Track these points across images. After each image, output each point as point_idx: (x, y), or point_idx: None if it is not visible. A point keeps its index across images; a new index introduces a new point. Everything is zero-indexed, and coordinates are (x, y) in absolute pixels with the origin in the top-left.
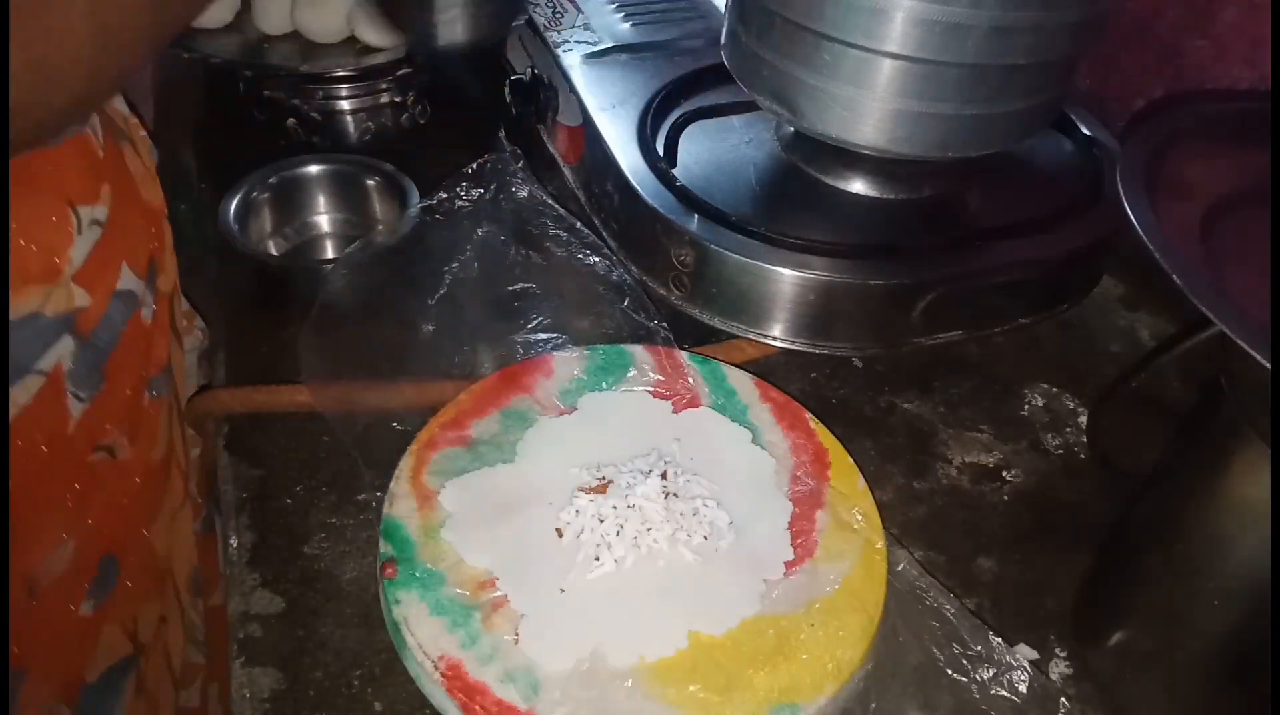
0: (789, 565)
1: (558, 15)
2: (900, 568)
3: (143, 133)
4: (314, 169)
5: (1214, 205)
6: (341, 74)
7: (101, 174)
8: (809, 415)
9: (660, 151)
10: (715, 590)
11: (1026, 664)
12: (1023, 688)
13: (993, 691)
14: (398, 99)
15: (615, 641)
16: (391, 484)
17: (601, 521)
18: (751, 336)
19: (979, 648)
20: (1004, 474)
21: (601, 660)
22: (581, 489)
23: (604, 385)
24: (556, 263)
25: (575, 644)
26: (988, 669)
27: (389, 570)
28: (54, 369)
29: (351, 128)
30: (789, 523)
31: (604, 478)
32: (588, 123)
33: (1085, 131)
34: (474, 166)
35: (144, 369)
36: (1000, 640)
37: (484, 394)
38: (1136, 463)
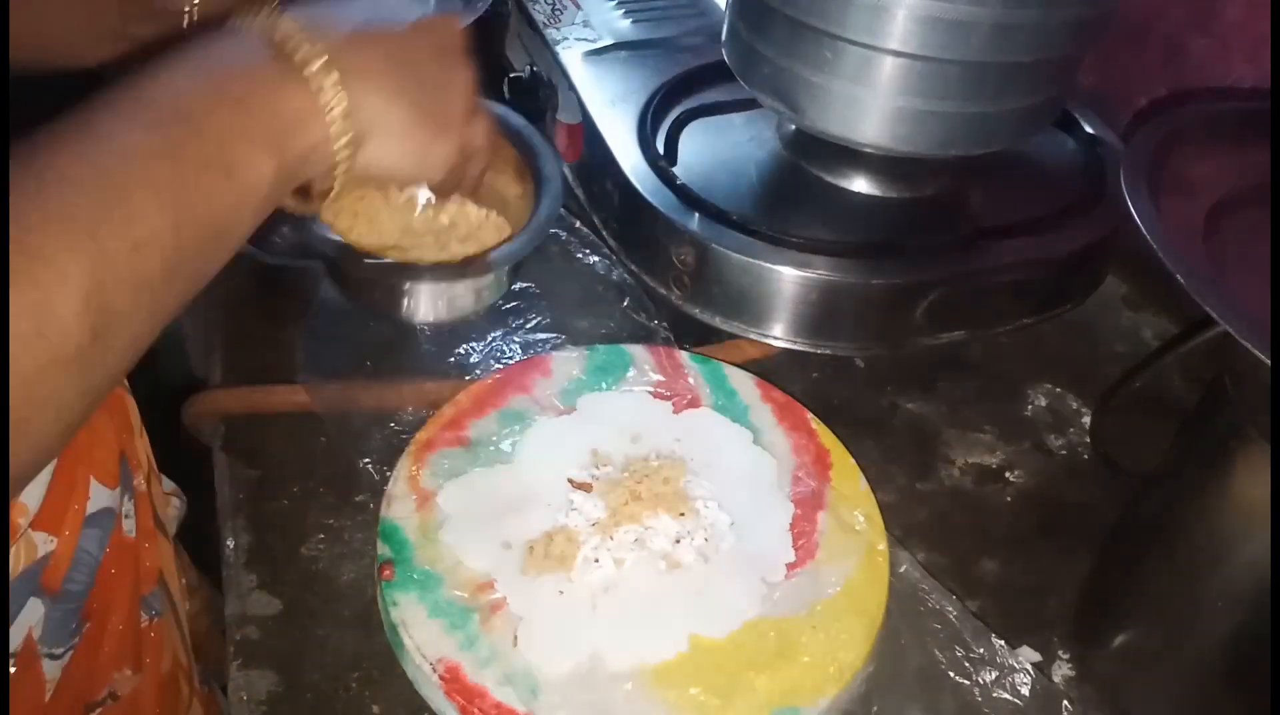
0: (790, 567)
1: (557, 12)
2: (902, 569)
3: None
4: None
5: (1217, 204)
6: None
7: None
8: (810, 416)
9: (660, 149)
10: (716, 592)
11: (1029, 666)
12: (1025, 690)
13: (995, 694)
14: None
15: (615, 644)
16: (389, 485)
17: (602, 527)
18: (752, 336)
19: (981, 650)
20: (1007, 475)
21: (601, 663)
22: (571, 480)
23: (603, 385)
24: (555, 262)
25: (574, 647)
26: (990, 671)
27: (387, 572)
28: (23, 644)
29: None
30: (790, 524)
31: (595, 477)
32: (587, 120)
33: (1088, 130)
34: None
35: (136, 589)
36: (1003, 642)
37: (482, 394)
38: (1139, 463)
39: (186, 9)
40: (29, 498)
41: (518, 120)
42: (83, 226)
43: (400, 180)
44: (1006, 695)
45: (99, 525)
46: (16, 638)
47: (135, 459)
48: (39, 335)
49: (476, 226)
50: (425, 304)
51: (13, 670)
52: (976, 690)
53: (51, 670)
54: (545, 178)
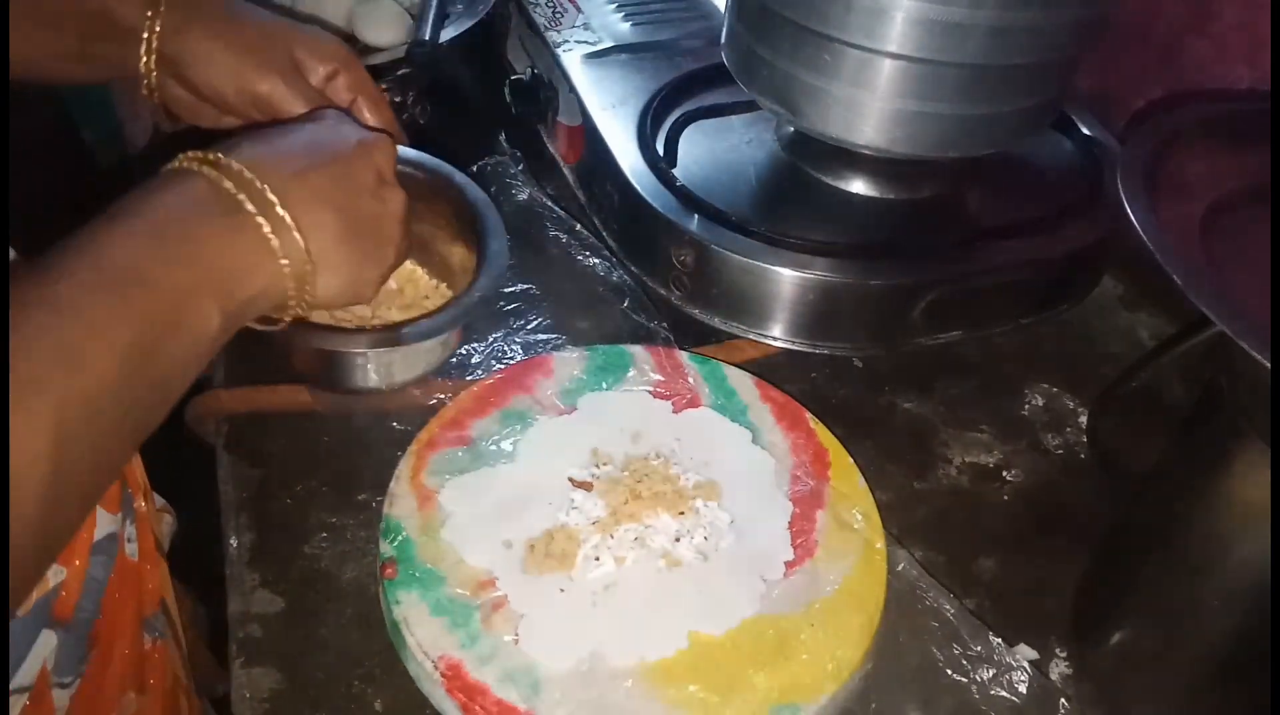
0: (789, 565)
1: (558, 15)
2: (900, 568)
3: None
4: None
5: (1214, 205)
6: None
7: None
8: (809, 415)
9: (660, 151)
10: (715, 590)
11: (1026, 664)
12: (1022, 688)
13: (993, 692)
14: (397, 99)
15: (615, 642)
16: (391, 484)
17: (602, 526)
18: (751, 336)
19: (979, 648)
20: (1004, 474)
21: (601, 660)
22: (571, 479)
23: (604, 385)
24: (556, 263)
25: (575, 644)
26: (988, 669)
27: (389, 570)
28: (37, 676)
29: None
30: (789, 523)
31: (596, 476)
32: (588, 122)
33: (1085, 131)
34: (474, 169)
35: (139, 612)
36: (1000, 640)
37: (484, 394)
38: (1136, 463)
39: (145, 34)
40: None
41: (460, 178)
42: (36, 383)
43: (342, 305)
44: (1004, 693)
45: (104, 551)
46: (31, 671)
47: (133, 480)
48: None
49: (423, 295)
50: (355, 374)
51: (26, 703)
52: (974, 688)
53: (61, 700)
54: (490, 254)
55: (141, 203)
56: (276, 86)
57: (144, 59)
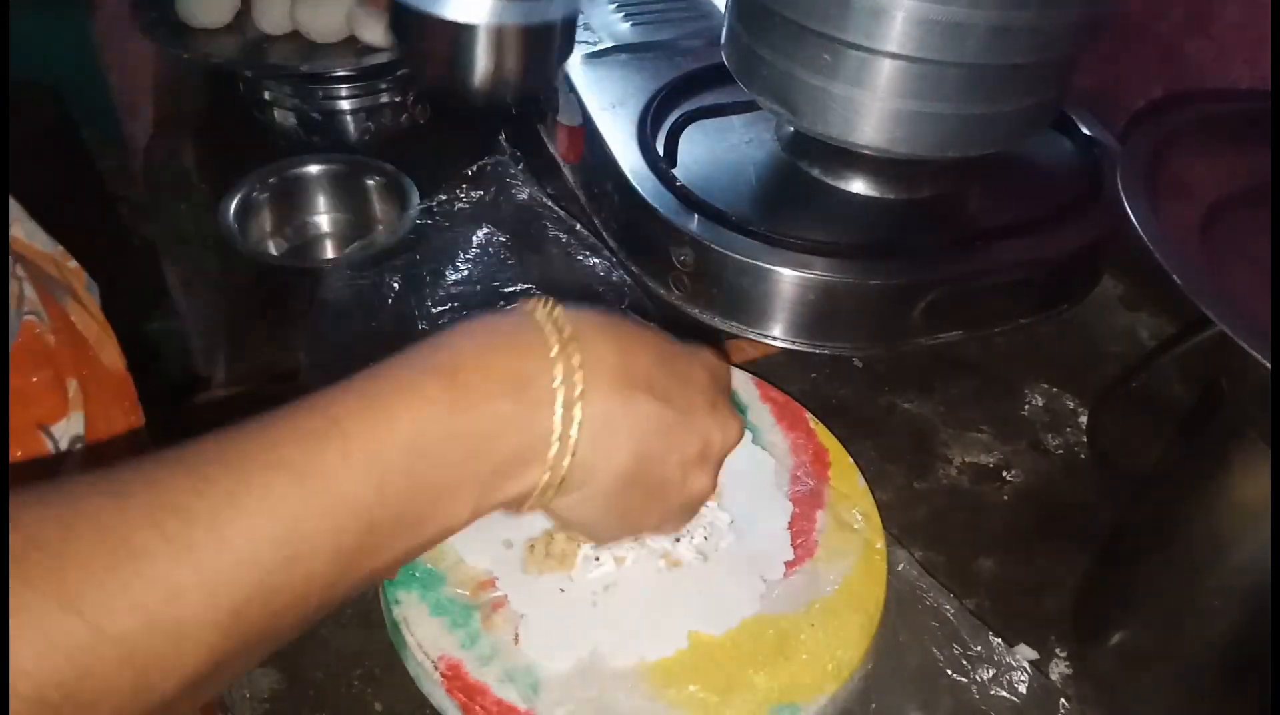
0: (789, 565)
1: None
2: (900, 568)
3: (72, 263)
4: (314, 169)
5: (1214, 205)
6: (341, 74)
7: (62, 367)
8: (809, 415)
9: (660, 151)
10: (715, 590)
11: (1026, 664)
12: (1022, 688)
13: (993, 692)
14: (398, 98)
15: (615, 642)
16: None
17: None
18: (751, 336)
19: (979, 648)
20: (1004, 474)
21: (601, 660)
22: None
23: None
24: (556, 263)
25: (575, 644)
26: (988, 669)
27: None
28: None
29: (351, 127)
30: (789, 523)
31: None
32: (588, 122)
33: (1085, 131)
34: (474, 168)
35: None
36: (1000, 640)
37: None
38: (1136, 463)
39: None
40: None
41: None
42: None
43: (589, 539)
44: (1004, 693)
45: None
46: None
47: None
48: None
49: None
50: None
51: None
52: (974, 688)
53: None
54: None
55: (465, 350)
56: None
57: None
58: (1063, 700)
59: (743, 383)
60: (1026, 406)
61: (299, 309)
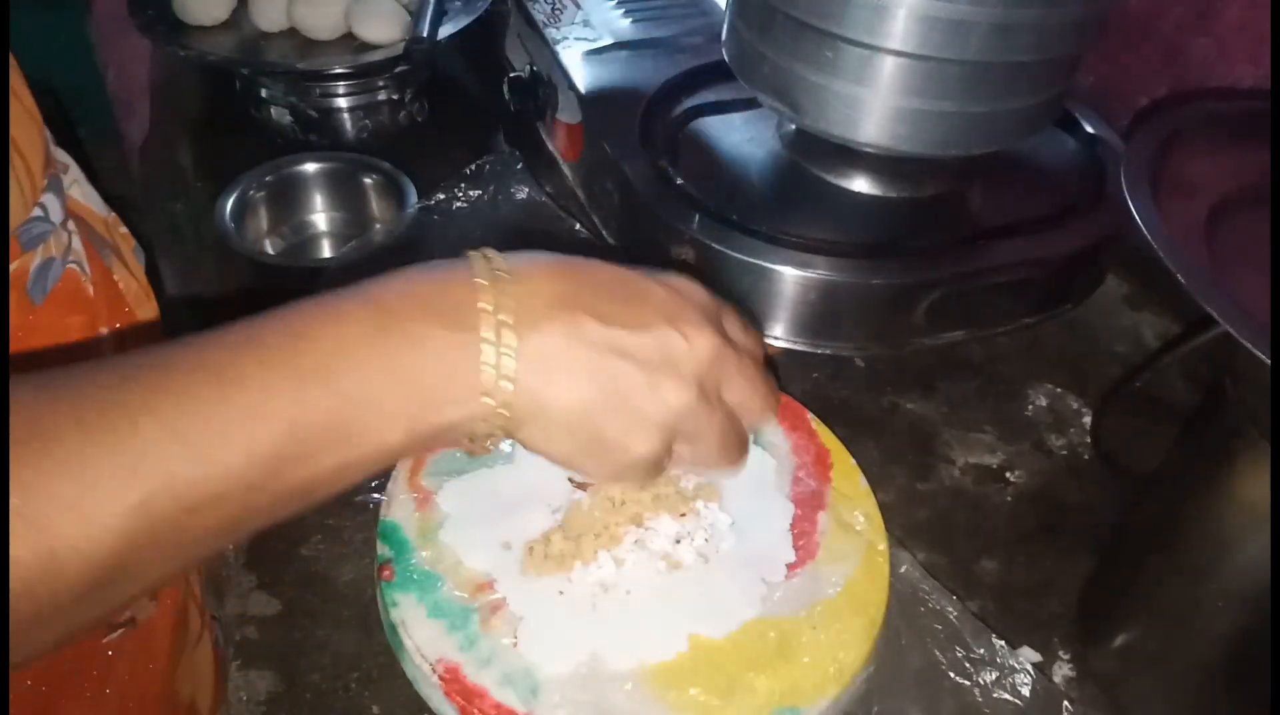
0: (790, 567)
1: (557, 12)
2: (903, 570)
3: (123, 229)
4: (311, 167)
5: (1218, 204)
6: (339, 71)
7: (96, 318)
8: (811, 416)
9: (661, 149)
10: (716, 592)
11: (1029, 667)
12: (1025, 691)
13: (995, 695)
14: (395, 96)
15: (615, 644)
16: (389, 485)
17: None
18: None
19: (982, 650)
20: (1007, 475)
21: (601, 663)
22: (570, 479)
23: None
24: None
25: (574, 647)
26: (990, 672)
27: (386, 572)
28: None
29: (349, 125)
30: (791, 524)
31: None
32: (587, 120)
33: (1089, 129)
34: (472, 167)
35: None
36: (1003, 643)
37: None
38: (1140, 463)
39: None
40: None
41: None
42: (141, 454)
43: (581, 473)
44: (1007, 695)
45: None
46: None
47: None
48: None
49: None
50: None
51: None
52: (977, 691)
53: None
54: None
55: (392, 283)
56: None
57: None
58: (1066, 703)
59: None
60: (1030, 407)
61: None
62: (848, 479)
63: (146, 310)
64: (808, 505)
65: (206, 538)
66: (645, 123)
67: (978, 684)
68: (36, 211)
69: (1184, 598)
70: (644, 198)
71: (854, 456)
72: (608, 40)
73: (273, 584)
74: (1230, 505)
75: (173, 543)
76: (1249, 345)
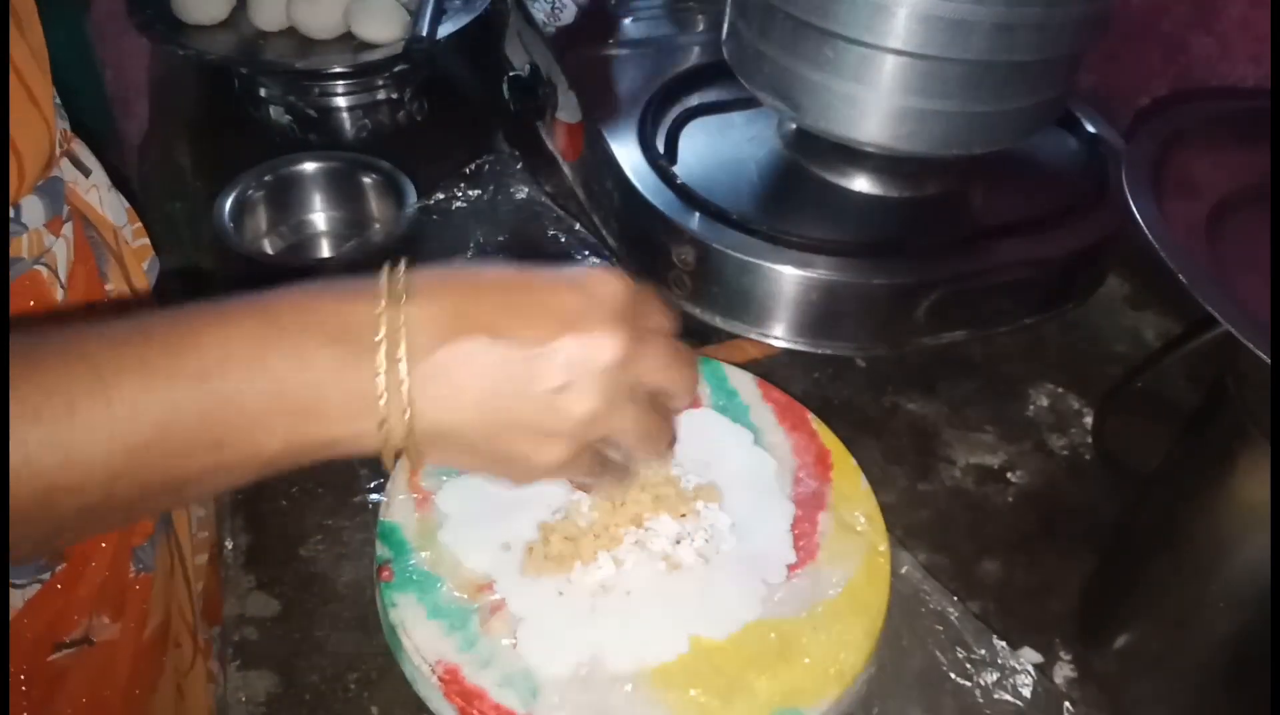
0: (791, 568)
1: (556, 11)
2: (904, 571)
3: (140, 242)
4: (310, 167)
5: (1219, 203)
6: (338, 70)
7: (60, 320)
8: (811, 416)
9: (661, 148)
10: (716, 593)
11: (1030, 668)
12: (1027, 692)
13: (996, 696)
14: (394, 96)
15: (615, 646)
16: (388, 486)
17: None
18: (753, 336)
19: (983, 651)
20: (1008, 475)
21: (600, 664)
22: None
23: None
24: (555, 263)
25: (574, 648)
26: (991, 673)
27: (385, 573)
28: None
29: (348, 125)
30: (791, 525)
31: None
32: (587, 120)
33: (1090, 129)
34: (472, 166)
35: (125, 539)
36: (1004, 644)
37: None
38: (1142, 463)
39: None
40: None
41: None
42: (17, 442)
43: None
44: (1008, 696)
45: None
46: None
47: None
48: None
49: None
50: None
51: None
52: (978, 692)
53: (15, 599)
54: None
55: (290, 297)
56: None
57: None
58: (1067, 704)
59: (745, 383)
60: (1031, 407)
61: None
62: (848, 479)
63: None
64: (809, 506)
65: (75, 519)
66: (645, 122)
67: (979, 685)
68: (12, 212)
69: (1185, 598)
70: (644, 197)
71: (855, 457)
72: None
73: (272, 585)
74: (1231, 505)
75: (39, 520)
76: (1250, 345)
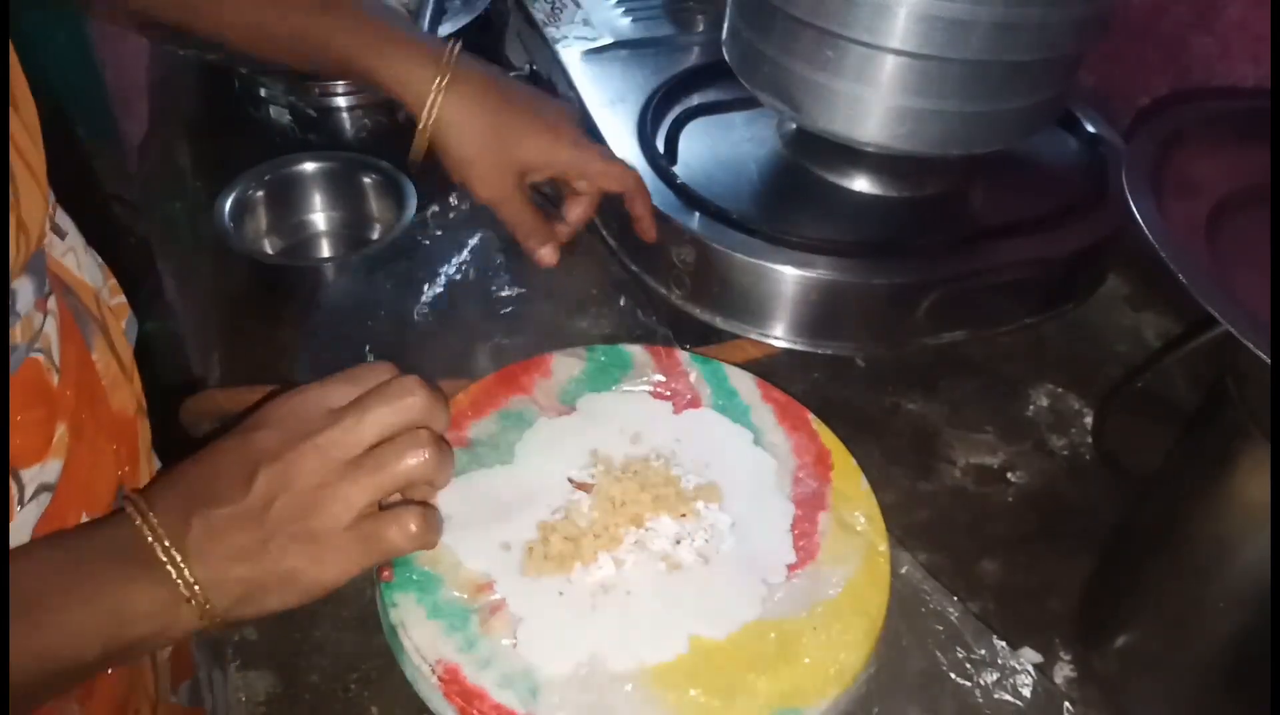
0: (791, 568)
1: (556, 11)
2: (904, 571)
3: (117, 300)
4: (309, 167)
5: (1220, 203)
6: None
7: (56, 411)
8: (811, 416)
9: (661, 148)
10: (716, 593)
11: (1030, 667)
12: (1027, 692)
13: (996, 695)
14: None
15: (615, 646)
16: None
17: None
18: (753, 336)
19: (982, 651)
20: (1008, 475)
21: (601, 664)
22: (571, 480)
23: (603, 386)
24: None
25: (574, 648)
26: (991, 673)
27: (386, 573)
28: None
29: (348, 125)
30: (791, 525)
31: (594, 477)
32: (587, 120)
33: (1090, 129)
34: None
35: None
36: (1004, 644)
37: (482, 395)
38: (1142, 464)
39: (426, 109)
40: (15, 532)
41: None
42: None
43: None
44: (1008, 696)
45: None
46: None
47: (134, 486)
48: None
49: None
50: None
51: None
52: (978, 692)
53: None
54: None
55: (81, 536)
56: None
57: (420, 128)
58: (1067, 704)
59: (745, 383)
60: (1031, 407)
61: (294, 308)
62: (848, 479)
63: (123, 397)
64: (809, 506)
65: None
66: (645, 122)
67: (978, 685)
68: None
69: (1185, 598)
70: None
71: (855, 457)
72: (608, 39)
73: None
74: (1232, 505)
75: None
76: (1250, 345)
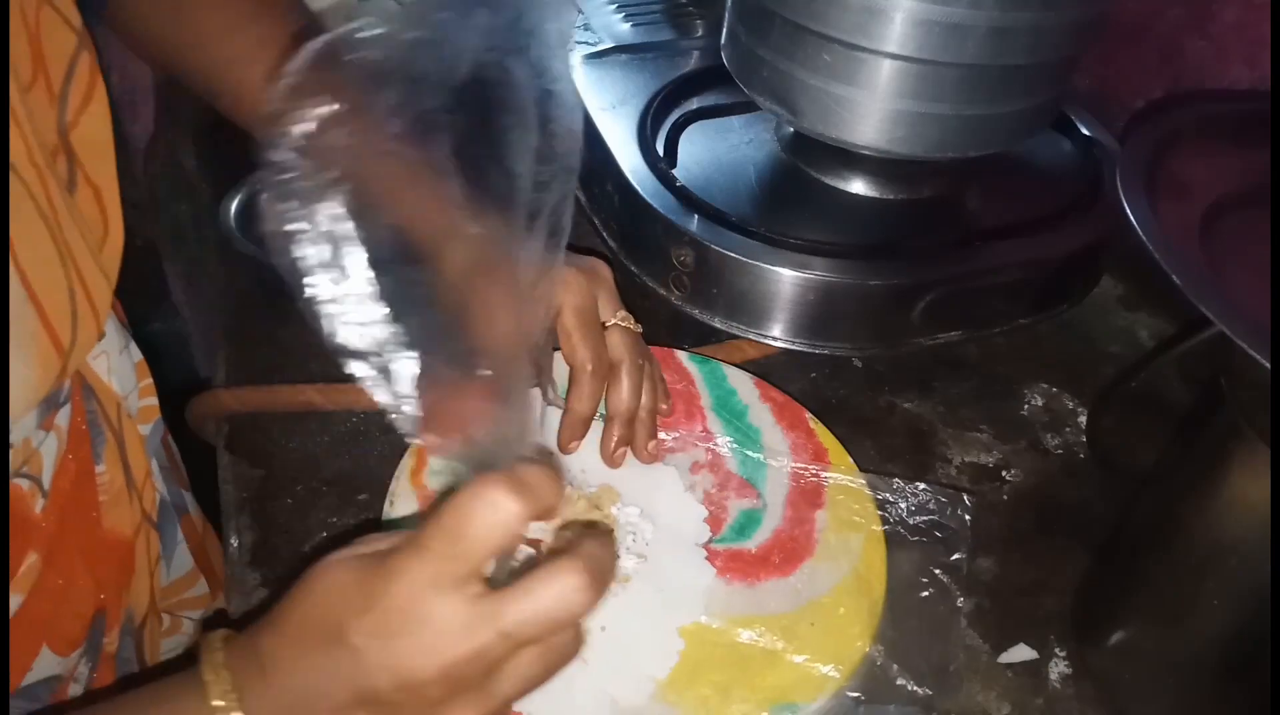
0: (791, 566)
1: None
2: (901, 569)
3: (148, 401)
4: None
5: (1213, 205)
6: None
7: (29, 541)
8: (809, 415)
9: (660, 152)
10: (671, 580)
11: (1026, 664)
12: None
13: (992, 691)
14: None
15: (622, 681)
16: (392, 483)
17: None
18: (751, 336)
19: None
20: (1003, 474)
21: (618, 706)
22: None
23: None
24: None
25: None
26: (987, 667)
27: None
28: None
29: None
30: (684, 486)
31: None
32: (588, 123)
33: (1085, 131)
34: None
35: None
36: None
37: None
38: (1136, 463)
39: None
40: None
41: None
42: None
43: None
44: (1004, 692)
45: (33, 697)
46: None
47: (115, 614)
48: None
49: None
50: None
51: None
52: (975, 688)
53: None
54: None
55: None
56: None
57: None
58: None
59: (743, 383)
60: (1026, 407)
61: (300, 310)
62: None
63: (120, 516)
64: (805, 504)
65: None
66: (645, 126)
67: (975, 680)
68: None
69: (1179, 596)
70: (644, 199)
71: (852, 455)
72: (608, 44)
73: (277, 582)
74: (1226, 504)
75: None
76: (1244, 345)
